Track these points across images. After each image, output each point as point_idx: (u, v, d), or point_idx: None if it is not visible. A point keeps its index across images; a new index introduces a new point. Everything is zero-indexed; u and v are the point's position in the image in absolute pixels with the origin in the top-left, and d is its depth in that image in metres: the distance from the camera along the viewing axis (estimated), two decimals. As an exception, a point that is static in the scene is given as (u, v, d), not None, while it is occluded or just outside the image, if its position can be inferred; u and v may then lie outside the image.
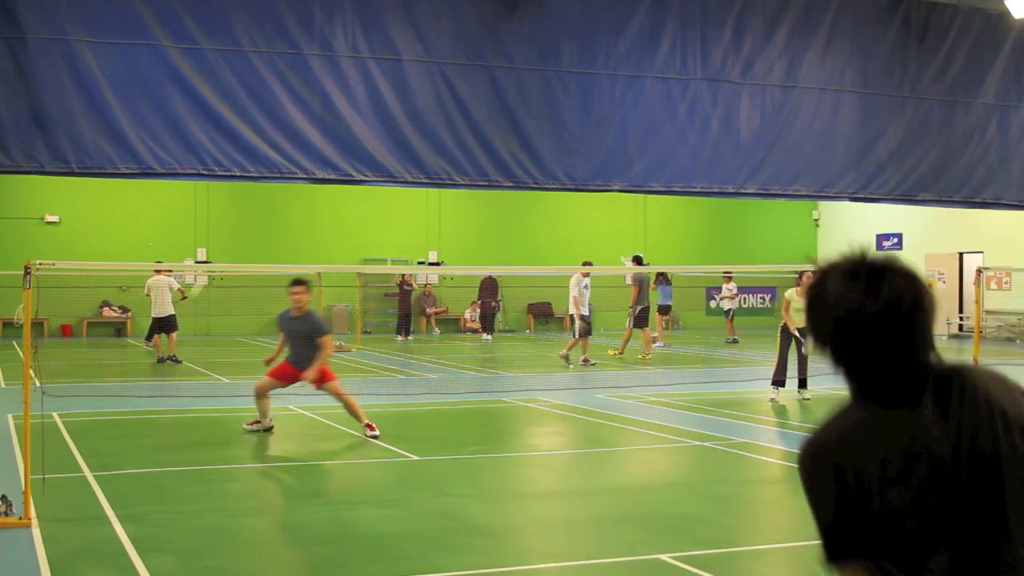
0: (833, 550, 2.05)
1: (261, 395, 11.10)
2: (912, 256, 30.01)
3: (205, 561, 6.53)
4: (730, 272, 26.33)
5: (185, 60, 7.85)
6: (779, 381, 13.99)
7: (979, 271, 9.85)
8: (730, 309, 27.26)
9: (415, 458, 9.98)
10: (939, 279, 30.41)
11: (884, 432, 2.03)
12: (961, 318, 29.67)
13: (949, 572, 1.95)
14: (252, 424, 11.20)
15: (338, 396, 11.04)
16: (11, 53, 7.46)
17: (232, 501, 8.40)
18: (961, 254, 29.92)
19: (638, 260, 22.73)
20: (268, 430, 11.16)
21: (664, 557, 6.53)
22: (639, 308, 20.90)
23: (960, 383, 2.00)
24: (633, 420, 12.73)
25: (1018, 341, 27.58)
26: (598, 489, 8.89)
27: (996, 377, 2.04)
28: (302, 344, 10.94)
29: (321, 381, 10.94)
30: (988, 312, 27.74)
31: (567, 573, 6.41)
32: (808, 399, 14.00)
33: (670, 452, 10.72)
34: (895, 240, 32.18)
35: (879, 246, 32.57)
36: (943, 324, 29.75)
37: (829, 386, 15.55)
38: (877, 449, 2.01)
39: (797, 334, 13.75)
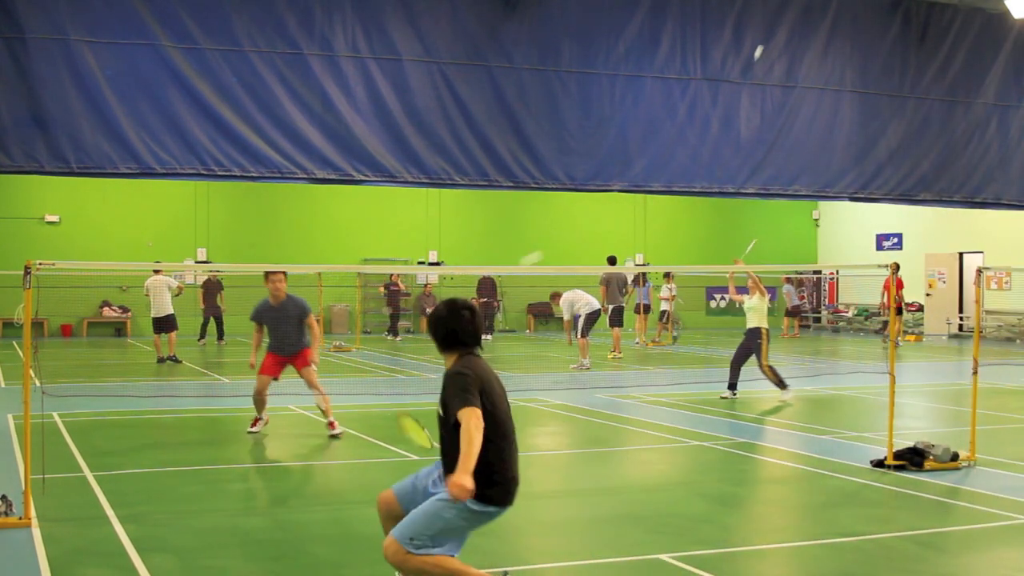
0: (475, 403, 4.93)
1: (260, 396, 11.16)
2: (912, 256, 30.12)
3: (205, 561, 6.53)
4: (670, 272, 26.23)
5: (185, 60, 7.85)
6: (782, 382, 14.15)
7: (979, 271, 9.84)
8: (666, 311, 26.47)
9: (415, 458, 9.98)
10: (939, 279, 30.39)
11: (486, 370, 5.16)
12: (961, 318, 29.66)
13: (507, 435, 5.14)
14: (254, 426, 11.20)
15: (308, 382, 11.07)
16: (11, 53, 7.46)
17: (232, 501, 8.40)
18: (961, 254, 29.90)
19: (611, 261, 23.05)
20: (265, 423, 11.22)
21: (664, 557, 6.53)
22: (611, 308, 21.15)
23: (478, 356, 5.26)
24: (633, 420, 12.73)
25: (1018, 341, 27.58)
26: (598, 489, 8.89)
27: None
28: (286, 330, 11.04)
29: (304, 364, 11.11)
30: (988, 312, 27.74)
31: (567, 573, 6.41)
32: (733, 398, 14.13)
33: (670, 452, 10.72)
34: (895, 240, 32.14)
35: (879, 246, 32.56)
36: (944, 324, 29.75)
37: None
38: (488, 376, 5.14)
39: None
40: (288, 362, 11.12)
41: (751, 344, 14.11)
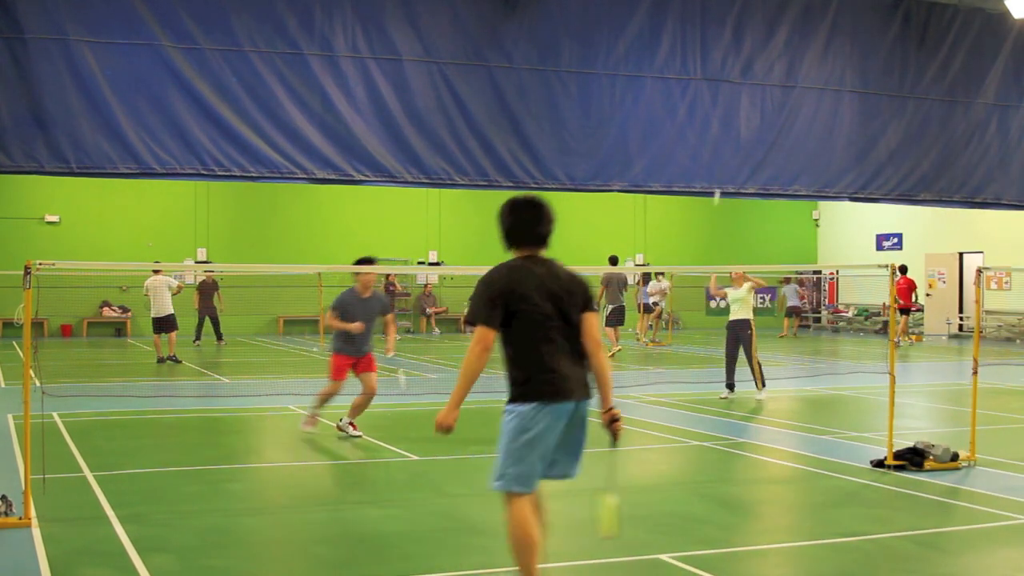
0: (485, 320, 4.94)
1: (328, 399, 11.06)
2: (912, 256, 30.12)
3: (205, 561, 6.53)
4: (662, 271, 26.21)
5: (185, 60, 7.84)
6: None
7: (979, 271, 9.84)
8: (661, 308, 26.42)
9: (415, 458, 9.99)
10: (939, 279, 30.39)
11: (530, 273, 5.02)
12: (961, 318, 29.66)
13: (545, 338, 5.00)
14: (310, 424, 10.98)
15: (371, 387, 10.93)
16: (11, 53, 7.45)
17: (232, 501, 8.40)
18: (961, 254, 29.90)
19: (613, 261, 23.16)
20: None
21: (664, 557, 6.54)
22: (611, 307, 21.36)
23: (551, 262, 5.11)
24: (633, 420, 12.72)
25: (1018, 341, 27.58)
26: (598, 489, 8.88)
27: (559, 266, 5.14)
28: (367, 325, 10.89)
29: (368, 368, 10.93)
30: (988, 312, 27.73)
31: (567, 573, 6.41)
32: (733, 397, 14.14)
33: (670, 452, 10.72)
34: (895, 240, 32.14)
35: (879, 246, 32.56)
36: (943, 324, 29.75)
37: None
38: (528, 279, 5.01)
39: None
40: (356, 363, 10.96)
41: (738, 338, 14.06)
